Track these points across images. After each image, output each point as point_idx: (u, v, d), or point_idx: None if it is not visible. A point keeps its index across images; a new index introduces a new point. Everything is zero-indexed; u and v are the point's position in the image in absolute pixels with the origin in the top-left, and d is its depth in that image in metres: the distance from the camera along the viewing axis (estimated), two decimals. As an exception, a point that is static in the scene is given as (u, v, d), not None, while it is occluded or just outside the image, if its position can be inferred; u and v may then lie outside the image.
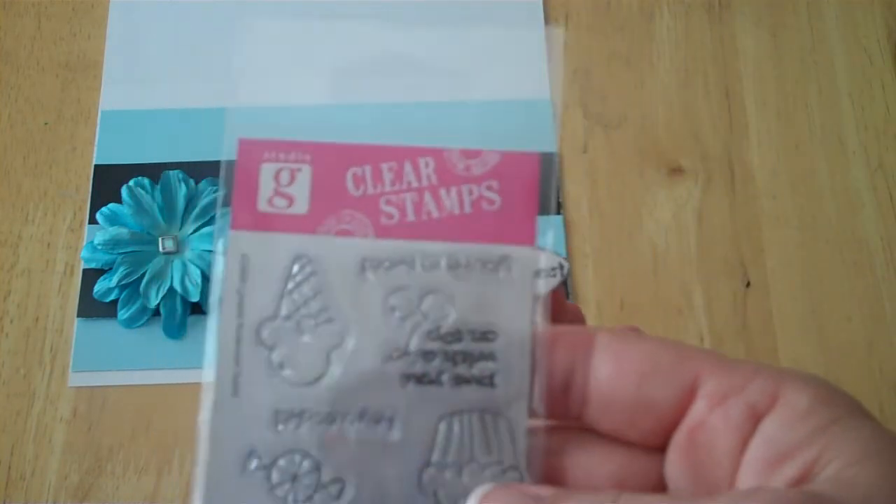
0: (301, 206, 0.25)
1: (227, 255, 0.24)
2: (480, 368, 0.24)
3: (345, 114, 0.25)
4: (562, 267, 0.34)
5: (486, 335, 0.24)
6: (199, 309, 0.48)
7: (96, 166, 0.52)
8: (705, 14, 0.56)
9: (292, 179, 0.25)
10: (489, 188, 0.25)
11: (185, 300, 0.48)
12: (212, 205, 0.50)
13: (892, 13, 0.56)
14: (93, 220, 0.50)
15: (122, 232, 0.49)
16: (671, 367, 0.23)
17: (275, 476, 0.24)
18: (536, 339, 0.24)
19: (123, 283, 0.48)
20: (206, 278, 0.48)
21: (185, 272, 0.48)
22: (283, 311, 0.24)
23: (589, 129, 0.54)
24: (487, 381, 0.24)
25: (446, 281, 0.25)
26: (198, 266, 0.49)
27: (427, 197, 0.25)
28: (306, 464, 0.24)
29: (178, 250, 0.49)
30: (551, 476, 0.24)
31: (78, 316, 0.49)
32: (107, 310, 0.48)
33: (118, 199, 0.50)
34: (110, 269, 0.49)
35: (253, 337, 0.24)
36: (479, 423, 0.24)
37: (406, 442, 0.24)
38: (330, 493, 0.24)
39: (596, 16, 0.56)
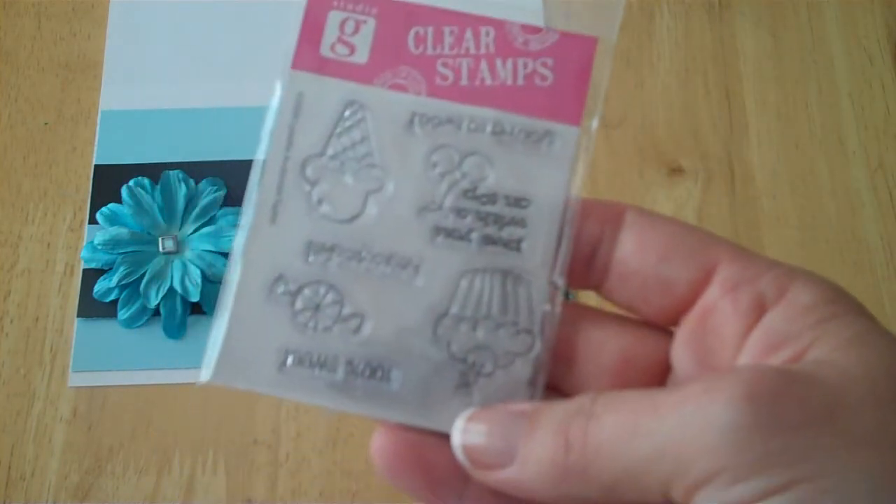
0: (361, 57, 0.25)
1: (284, 91, 0.25)
2: (510, 232, 0.25)
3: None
4: None
5: (519, 202, 0.25)
6: (199, 309, 0.48)
7: (96, 166, 0.52)
8: (705, 14, 0.56)
9: (356, 30, 0.25)
10: (544, 65, 0.26)
11: (185, 300, 0.48)
12: (212, 205, 0.50)
13: (892, 13, 0.56)
14: (93, 220, 0.50)
15: (122, 232, 0.49)
16: (693, 250, 0.23)
17: (298, 303, 0.25)
18: (568, 210, 0.25)
19: (123, 283, 0.48)
20: (206, 278, 0.48)
21: (185, 272, 0.48)
22: (330, 150, 0.25)
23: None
24: (514, 244, 0.25)
25: (489, 145, 0.25)
26: (198, 266, 0.49)
27: (483, 64, 0.25)
28: (330, 296, 0.25)
29: (178, 250, 0.49)
30: (562, 346, 0.25)
31: (78, 316, 0.49)
32: (107, 310, 0.48)
33: (118, 199, 0.50)
34: (110, 269, 0.49)
35: (298, 170, 0.25)
36: (501, 284, 0.25)
37: (427, 289, 0.25)
38: (349, 326, 0.25)
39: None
